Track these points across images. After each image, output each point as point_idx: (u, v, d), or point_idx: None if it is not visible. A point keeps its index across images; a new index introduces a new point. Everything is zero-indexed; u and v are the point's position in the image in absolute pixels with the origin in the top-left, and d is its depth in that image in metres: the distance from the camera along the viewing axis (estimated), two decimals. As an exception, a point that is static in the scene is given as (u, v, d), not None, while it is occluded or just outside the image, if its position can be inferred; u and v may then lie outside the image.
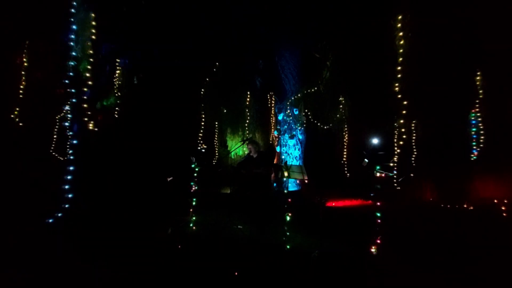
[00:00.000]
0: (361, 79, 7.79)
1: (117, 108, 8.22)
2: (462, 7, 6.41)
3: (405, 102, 6.23)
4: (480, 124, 7.85)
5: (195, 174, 5.12)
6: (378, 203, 4.06)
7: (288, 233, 4.20)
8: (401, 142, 7.36)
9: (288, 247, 4.12)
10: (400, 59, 6.04)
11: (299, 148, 8.98)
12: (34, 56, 7.22)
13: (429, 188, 7.99)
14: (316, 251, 3.90)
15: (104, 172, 7.03)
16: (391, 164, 7.95)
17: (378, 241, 3.98)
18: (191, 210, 5.08)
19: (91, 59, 5.44)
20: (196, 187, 5.11)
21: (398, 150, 7.88)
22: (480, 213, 6.56)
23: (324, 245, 4.05)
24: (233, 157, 9.82)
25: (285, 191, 4.58)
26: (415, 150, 8.36)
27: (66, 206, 5.04)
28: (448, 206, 7.15)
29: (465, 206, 7.08)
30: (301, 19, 7.83)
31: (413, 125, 8.13)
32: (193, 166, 5.15)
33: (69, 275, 3.29)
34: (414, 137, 8.29)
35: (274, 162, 8.86)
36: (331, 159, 9.48)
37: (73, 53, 5.24)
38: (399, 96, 6.21)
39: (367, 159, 5.47)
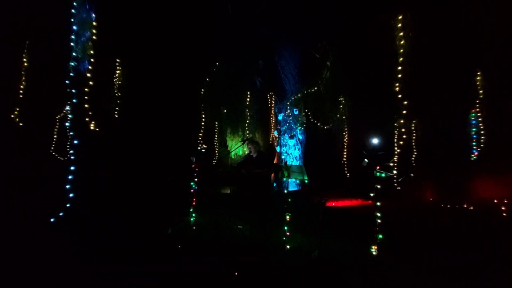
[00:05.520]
0: (361, 79, 7.79)
1: (117, 108, 8.22)
2: (462, 7, 6.42)
3: (405, 102, 6.23)
4: (480, 124, 7.85)
5: (195, 174, 5.13)
6: (378, 203, 4.07)
7: (288, 233, 4.21)
8: (401, 142, 7.36)
9: (288, 247, 4.13)
10: (400, 59, 6.04)
11: (299, 148, 8.99)
12: (34, 56, 7.22)
13: (429, 188, 7.99)
14: (316, 251, 3.90)
15: (104, 172, 7.03)
16: (391, 164, 7.95)
17: (378, 241, 3.98)
18: (191, 210, 5.08)
19: (92, 59, 5.44)
20: (196, 187, 5.11)
21: (398, 150, 7.88)
22: (480, 213, 6.56)
23: (324, 245, 4.05)
24: (233, 157, 9.82)
25: (285, 191, 4.58)
26: (415, 150, 8.36)
27: (68, 205, 5.05)
28: (448, 206, 7.15)
29: (465, 206, 7.07)
30: (301, 19, 7.84)
31: (413, 125, 8.13)
32: (193, 166, 5.14)
33: (70, 274, 3.29)
34: (414, 137, 8.29)
35: (274, 162, 8.86)
36: (331, 159, 9.47)
37: (74, 54, 5.24)
38: (399, 96, 6.21)
39: (367, 159, 5.47)
